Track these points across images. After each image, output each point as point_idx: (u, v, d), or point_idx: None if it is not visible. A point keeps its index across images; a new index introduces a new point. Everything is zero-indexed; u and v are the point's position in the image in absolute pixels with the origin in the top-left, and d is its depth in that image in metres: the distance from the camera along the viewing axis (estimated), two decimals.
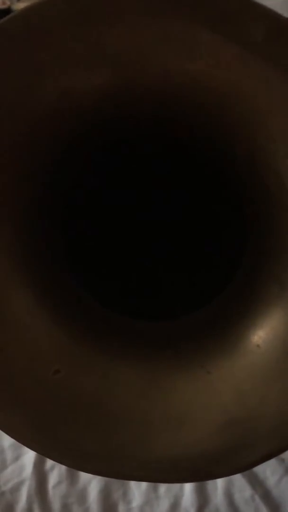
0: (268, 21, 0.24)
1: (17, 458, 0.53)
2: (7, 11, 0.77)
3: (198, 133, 0.30)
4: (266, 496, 0.51)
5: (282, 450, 0.30)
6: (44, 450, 0.31)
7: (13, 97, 0.26)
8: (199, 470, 0.31)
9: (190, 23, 0.24)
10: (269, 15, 0.24)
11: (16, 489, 0.52)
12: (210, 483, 0.51)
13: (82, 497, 0.51)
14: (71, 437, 0.31)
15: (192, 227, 0.43)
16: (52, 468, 0.52)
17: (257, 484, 0.51)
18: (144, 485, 0.51)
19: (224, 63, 0.24)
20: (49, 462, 0.53)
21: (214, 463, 0.30)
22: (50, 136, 0.29)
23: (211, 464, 0.30)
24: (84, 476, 0.52)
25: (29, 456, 0.53)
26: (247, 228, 0.34)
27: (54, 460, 0.31)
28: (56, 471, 0.52)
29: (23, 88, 0.26)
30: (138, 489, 0.51)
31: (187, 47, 0.24)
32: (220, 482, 0.51)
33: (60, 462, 0.31)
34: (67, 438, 0.31)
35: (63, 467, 0.52)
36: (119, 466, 0.31)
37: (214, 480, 0.51)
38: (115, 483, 0.51)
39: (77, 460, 0.31)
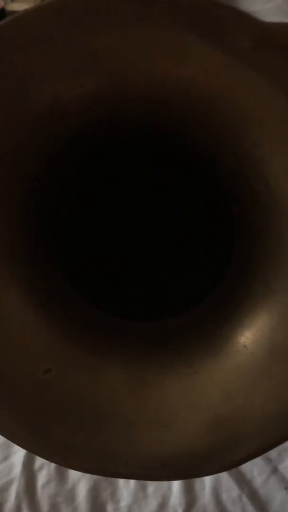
0: (255, 29, 0.24)
1: (6, 457, 0.53)
2: (1, 11, 0.78)
3: (187, 139, 0.30)
4: (253, 495, 0.51)
5: (267, 449, 0.30)
6: (34, 448, 0.31)
7: (5, 100, 0.26)
8: (186, 468, 0.31)
9: (180, 31, 0.24)
10: (257, 24, 0.24)
11: (4, 488, 0.52)
12: (197, 483, 0.51)
13: (71, 496, 0.52)
14: (61, 435, 0.31)
15: (182, 230, 0.44)
16: (41, 467, 0.52)
17: (244, 483, 0.51)
18: (132, 484, 0.52)
19: (213, 70, 0.25)
20: (38, 462, 0.53)
21: (200, 461, 0.31)
22: (44, 139, 0.30)
23: (198, 462, 0.31)
24: (72, 476, 0.52)
25: (18, 455, 0.53)
26: (234, 231, 0.35)
27: (43, 457, 0.32)
28: (45, 471, 0.52)
29: (16, 92, 0.26)
30: (126, 489, 0.52)
31: (176, 55, 0.25)
32: (207, 482, 0.51)
33: (50, 459, 0.32)
34: (56, 436, 0.31)
35: (52, 467, 0.52)
36: (107, 464, 0.31)
37: (201, 480, 0.52)
38: (103, 482, 0.52)
39: (66, 457, 0.31)
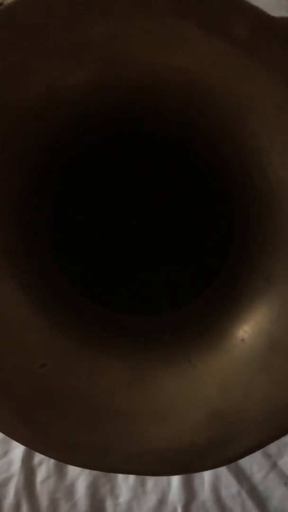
0: (253, 18, 0.24)
1: (5, 453, 0.53)
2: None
3: (184, 129, 0.30)
4: (253, 491, 0.51)
5: (266, 443, 0.30)
6: (31, 443, 0.31)
7: None
8: (185, 463, 0.31)
9: (176, 18, 0.24)
10: (254, 12, 0.24)
11: (4, 484, 0.52)
12: (197, 479, 0.51)
13: (70, 492, 0.52)
14: (58, 430, 0.31)
15: (180, 223, 0.44)
16: (40, 463, 0.52)
17: (243, 479, 0.51)
18: (131, 480, 0.52)
19: (210, 59, 0.24)
20: (37, 458, 0.53)
21: (199, 456, 0.31)
22: (39, 131, 0.29)
23: (196, 457, 0.31)
24: (72, 472, 0.52)
25: (17, 451, 0.53)
26: (234, 224, 0.34)
27: (40, 452, 0.31)
28: (44, 467, 0.52)
29: (10, 82, 0.26)
30: (125, 485, 0.52)
31: (172, 43, 0.24)
32: (207, 478, 0.51)
33: (47, 454, 0.32)
34: (53, 431, 0.31)
35: (51, 463, 0.52)
36: (105, 459, 0.31)
37: (201, 476, 0.51)
38: (102, 478, 0.52)
39: (64, 453, 0.31)
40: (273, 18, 0.25)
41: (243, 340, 0.32)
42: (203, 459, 0.31)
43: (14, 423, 0.31)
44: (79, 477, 0.52)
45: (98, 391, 0.32)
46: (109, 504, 0.51)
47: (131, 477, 0.52)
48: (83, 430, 0.31)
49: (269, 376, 0.30)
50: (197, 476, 0.52)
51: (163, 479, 0.51)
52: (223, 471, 0.52)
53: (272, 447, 0.52)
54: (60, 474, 0.52)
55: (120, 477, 0.52)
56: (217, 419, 0.30)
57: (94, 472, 0.51)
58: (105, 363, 0.33)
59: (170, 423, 0.31)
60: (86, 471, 0.51)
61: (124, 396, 0.32)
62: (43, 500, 0.52)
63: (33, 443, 0.31)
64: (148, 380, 0.32)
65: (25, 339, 0.32)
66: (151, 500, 0.51)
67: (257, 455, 0.52)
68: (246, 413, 0.30)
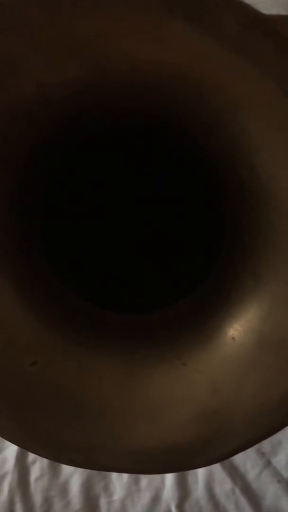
0: (242, 14, 0.24)
1: None
2: None
3: (173, 126, 0.30)
4: (246, 489, 0.51)
5: (256, 442, 0.30)
6: (21, 441, 0.31)
7: None
8: (175, 461, 0.31)
9: (164, 14, 0.24)
10: (244, 8, 0.24)
11: None
12: (190, 476, 0.51)
13: (64, 490, 0.52)
14: (48, 428, 0.31)
15: (171, 221, 0.43)
16: (34, 461, 0.52)
17: (237, 477, 0.51)
18: (125, 478, 0.52)
19: (198, 55, 0.24)
20: (31, 456, 0.53)
21: (189, 454, 0.31)
22: (29, 128, 0.29)
23: (187, 455, 0.31)
24: (66, 470, 0.52)
25: (11, 449, 0.53)
26: (224, 222, 0.34)
27: (30, 451, 0.31)
28: (38, 465, 0.52)
29: None
30: (119, 482, 0.52)
31: (160, 39, 0.24)
32: (200, 475, 0.51)
33: (37, 453, 0.32)
34: (43, 429, 0.31)
35: (45, 461, 0.52)
36: (95, 457, 0.31)
37: (194, 473, 0.51)
38: (96, 476, 0.52)
39: (54, 451, 0.31)
40: (263, 15, 0.25)
41: (233, 338, 0.31)
42: (193, 457, 0.31)
43: (4, 421, 0.31)
44: (73, 475, 0.52)
45: (88, 389, 0.32)
46: (103, 502, 0.51)
47: (125, 475, 0.52)
48: (73, 428, 0.31)
49: (259, 374, 0.30)
50: (191, 473, 0.52)
51: (157, 477, 0.51)
52: (217, 468, 0.52)
53: (266, 445, 0.52)
54: (54, 472, 0.52)
55: (114, 475, 0.52)
56: (207, 417, 0.30)
57: (88, 470, 0.51)
58: (96, 361, 0.33)
59: (160, 421, 0.31)
60: (80, 469, 0.51)
61: (114, 394, 0.32)
62: (37, 498, 0.52)
63: (23, 441, 0.31)
64: (138, 378, 0.32)
65: (15, 337, 0.31)
66: (145, 497, 0.51)
67: (251, 453, 0.52)
68: (236, 412, 0.30)
